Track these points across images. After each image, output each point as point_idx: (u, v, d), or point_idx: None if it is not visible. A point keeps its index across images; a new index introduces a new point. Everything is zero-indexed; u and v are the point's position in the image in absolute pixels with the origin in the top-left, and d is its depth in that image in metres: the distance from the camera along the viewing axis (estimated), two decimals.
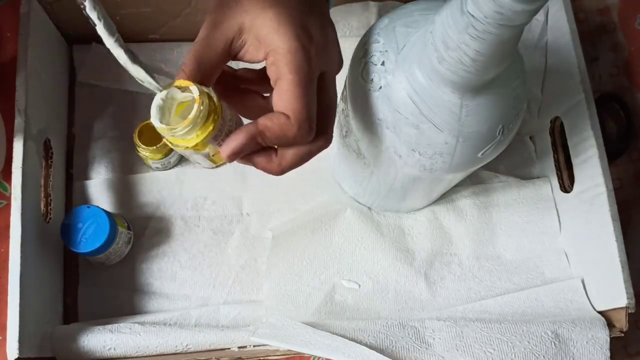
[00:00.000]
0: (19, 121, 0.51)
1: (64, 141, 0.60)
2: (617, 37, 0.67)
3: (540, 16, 0.63)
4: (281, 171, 0.40)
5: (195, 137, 0.37)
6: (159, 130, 0.37)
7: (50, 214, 0.55)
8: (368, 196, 0.58)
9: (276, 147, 0.39)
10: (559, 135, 0.61)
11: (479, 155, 0.44)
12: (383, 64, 0.42)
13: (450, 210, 0.60)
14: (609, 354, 0.50)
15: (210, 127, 0.36)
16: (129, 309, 0.56)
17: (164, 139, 0.39)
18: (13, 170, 0.50)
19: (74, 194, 0.59)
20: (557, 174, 0.61)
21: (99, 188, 0.59)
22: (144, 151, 0.57)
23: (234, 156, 0.38)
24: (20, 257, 0.48)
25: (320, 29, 0.38)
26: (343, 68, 0.42)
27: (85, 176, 0.60)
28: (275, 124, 0.37)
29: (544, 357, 0.50)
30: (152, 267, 0.58)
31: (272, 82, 0.38)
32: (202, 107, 0.36)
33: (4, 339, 0.47)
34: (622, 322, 0.51)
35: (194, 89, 0.36)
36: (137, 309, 0.56)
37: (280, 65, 0.36)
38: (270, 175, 0.60)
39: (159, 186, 0.60)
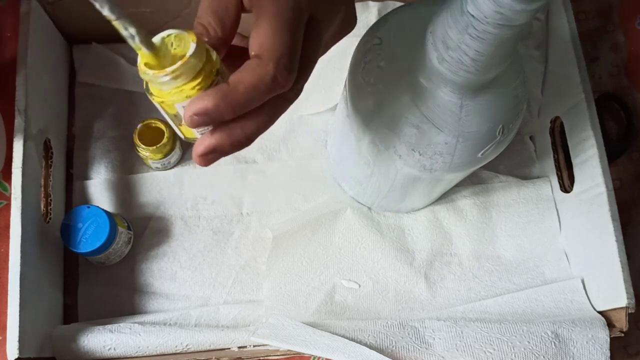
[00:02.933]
0: (19, 121, 0.51)
1: (64, 141, 0.60)
2: (617, 37, 0.67)
3: (540, 16, 0.63)
4: (247, 136, 0.32)
5: (167, 94, 0.32)
6: (140, 71, 0.32)
7: (50, 214, 0.55)
8: (368, 196, 0.58)
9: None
10: (559, 135, 0.61)
11: (479, 155, 0.44)
12: (383, 63, 0.42)
13: (450, 210, 0.60)
14: (609, 354, 0.50)
15: (189, 92, 0.31)
16: (129, 309, 0.56)
17: (144, 82, 0.33)
18: (13, 170, 0.50)
19: (74, 194, 0.59)
20: (557, 174, 0.61)
21: (99, 188, 0.59)
22: (144, 151, 0.57)
23: (195, 118, 0.30)
24: (20, 257, 0.48)
25: None
26: (344, 68, 0.41)
27: (85, 176, 0.60)
28: (248, 70, 0.30)
29: (543, 357, 0.50)
30: (152, 267, 0.58)
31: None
32: (187, 65, 0.31)
33: (4, 339, 0.47)
34: (622, 322, 0.51)
35: (193, 45, 0.31)
36: (137, 309, 0.56)
37: (262, 1, 0.31)
38: (270, 175, 0.61)
39: (158, 186, 0.60)
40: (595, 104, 0.56)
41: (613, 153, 0.64)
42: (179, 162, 0.61)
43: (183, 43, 0.32)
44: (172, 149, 0.58)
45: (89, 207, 0.53)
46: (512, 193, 0.61)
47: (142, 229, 0.59)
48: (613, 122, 0.67)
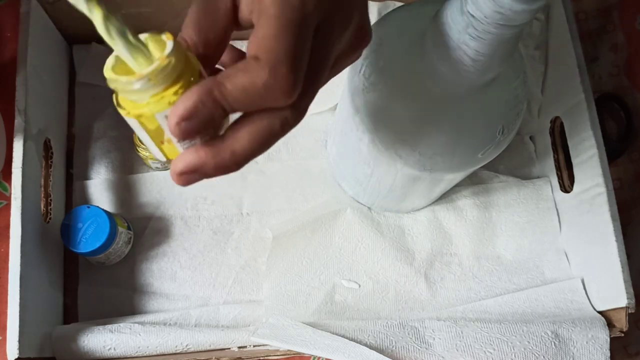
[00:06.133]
0: (19, 121, 0.51)
1: (64, 141, 0.60)
2: (617, 37, 0.67)
3: (540, 16, 0.63)
4: (235, 161, 0.28)
5: (145, 104, 0.27)
6: (107, 78, 0.27)
7: (50, 214, 0.55)
8: (368, 196, 0.58)
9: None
10: (559, 135, 0.61)
11: (479, 155, 0.44)
12: (383, 63, 0.42)
13: (450, 210, 0.60)
14: (609, 354, 0.50)
15: (170, 98, 0.27)
16: (129, 309, 0.56)
17: (113, 97, 0.29)
18: (13, 170, 0.50)
19: (74, 194, 0.59)
20: (557, 174, 0.61)
21: (99, 188, 0.59)
22: (143, 151, 0.57)
23: (184, 123, 0.26)
24: (20, 257, 0.48)
25: None
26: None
27: (85, 176, 0.60)
28: (240, 69, 0.26)
29: (543, 357, 0.50)
30: (152, 267, 0.58)
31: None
32: (166, 65, 0.26)
33: (4, 339, 0.47)
34: (622, 322, 0.51)
35: (170, 43, 0.27)
36: (137, 309, 0.56)
37: (262, 3, 0.27)
38: (270, 175, 0.61)
39: (158, 186, 0.60)
40: (595, 104, 0.56)
41: (613, 153, 0.64)
42: None
43: (159, 45, 0.27)
44: None
45: (89, 207, 0.53)
46: (512, 193, 0.61)
47: (142, 229, 0.59)
48: (613, 122, 0.67)
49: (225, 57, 0.32)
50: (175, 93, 0.27)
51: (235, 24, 0.29)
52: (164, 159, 0.30)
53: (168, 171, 0.61)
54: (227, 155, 0.28)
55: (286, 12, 0.26)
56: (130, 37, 0.26)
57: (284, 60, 0.26)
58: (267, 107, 0.27)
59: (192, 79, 0.27)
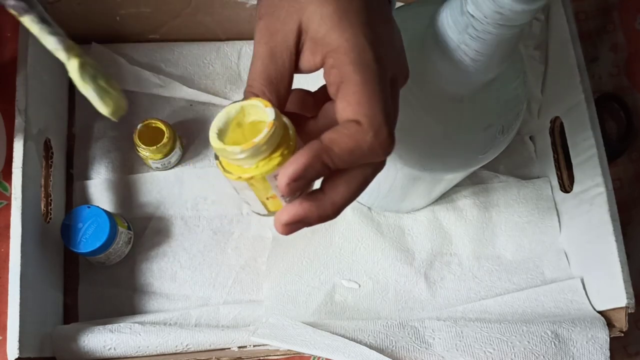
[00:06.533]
0: (19, 121, 0.51)
1: (64, 141, 0.60)
2: (617, 37, 0.67)
3: (540, 16, 0.63)
4: (336, 210, 0.31)
5: (255, 168, 0.30)
6: (214, 148, 0.30)
7: (51, 214, 0.55)
8: (368, 196, 0.58)
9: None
10: (559, 135, 0.61)
11: (479, 155, 0.44)
12: None
13: (450, 210, 0.60)
14: (608, 354, 0.50)
15: (278, 160, 0.29)
16: (129, 309, 0.56)
17: (216, 163, 0.32)
18: (13, 170, 0.50)
19: (74, 194, 0.59)
20: (557, 174, 0.61)
21: (99, 188, 0.59)
22: (144, 151, 0.57)
23: (294, 184, 0.29)
24: (21, 257, 0.48)
25: (388, 29, 0.32)
26: None
27: (86, 176, 0.60)
28: (345, 134, 0.29)
29: (543, 357, 0.50)
30: (152, 267, 0.58)
31: (332, 91, 0.30)
32: (274, 131, 0.29)
33: (4, 339, 0.47)
34: (622, 322, 0.51)
35: (270, 110, 0.29)
36: (137, 309, 0.56)
37: (343, 66, 0.29)
38: None
39: (159, 186, 0.60)
40: (595, 104, 0.56)
41: (613, 153, 0.64)
42: (179, 162, 0.61)
43: (254, 111, 0.30)
44: (172, 149, 0.58)
45: (89, 207, 0.53)
46: (512, 193, 0.61)
47: (142, 229, 0.59)
48: (613, 122, 0.67)
49: (303, 94, 0.34)
50: (281, 154, 0.30)
51: (296, 67, 0.32)
52: (265, 212, 0.33)
53: (168, 171, 0.61)
54: (329, 207, 0.31)
55: (373, 78, 0.29)
56: (102, 83, 0.29)
57: (384, 124, 0.29)
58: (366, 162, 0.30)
59: (290, 142, 0.30)
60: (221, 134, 0.30)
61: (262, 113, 0.30)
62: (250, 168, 0.30)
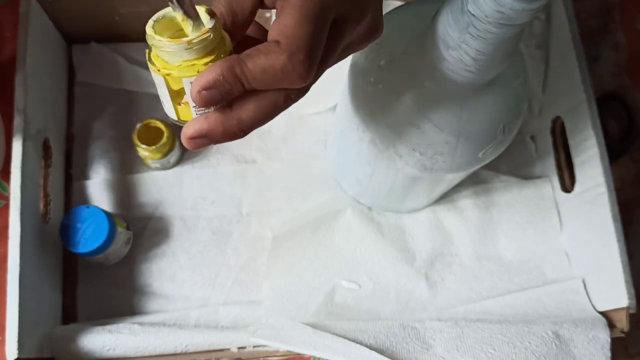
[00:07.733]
0: (18, 121, 0.51)
1: (63, 141, 0.60)
2: (618, 37, 0.67)
3: (541, 15, 0.62)
4: (242, 128, 0.31)
5: (177, 66, 0.30)
6: (147, 35, 0.30)
7: (50, 214, 0.55)
8: (368, 196, 0.58)
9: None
10: (560, 135, 0.61)
11: (480, 155, 0.43)
12: (383, 63, 0.42)
13: (451, 210, 0.60)
14: (610, 355, 0.50)
15: (201, 68, 0.29)
16: (128, 310, 0.56)
17: (146, 52, 0.32)
18: (12, 170, 0.50)
19: (73, 194, 0.59)
20: (558, 174, 0.61)
21: (98, 188, 0.59)
22: (143, 151, 0.57)
23: (204, 93, 0.29)
24: (19, 257, 0.48)
25: None
26: (344, 67, 0.40)
27: (85, 176, 0.60)
28: (261, 51, 0.29)
29: (544, 357, 0.50)
30: (151, 267, 0.58)
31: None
32: (205, 38, 0.29)
33: (3, 339, 0.47)
34: (623, 323, 0.51)
35: (211, 20, 0.30)
36: (137, 309, 0.56)
37: None
38: (270, 175, 0.61)
39: (158, 186, 0.60)
40: (596, 104, 0.56)
41: (614, 153, 0.64)
42: (178, 162, 0.61)
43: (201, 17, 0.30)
44: (171, 149, 0.58)
45: (88, 207, 0.53)
46: (513, 193, 0.61)
47: (142, 229, 0.59)
48: (614, 122, 0.66)
49: (249, 30, 0.34)
50: (206, 64, 0.29)
51: (260, 3, 0.32)
52: (175, 118, 0.33)
53: (167, 171, 0.61)
54: (234, 123, 0.30)
55: (308, 3, 0.29)
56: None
57: (302, 48, 0.28)
58: (281, 87, 0.30)
59: (222, 55, 0.30)
60: (158, 26, 0.31)
61: (204, 19, 0.30)
62: (172, 65, 0.30)
